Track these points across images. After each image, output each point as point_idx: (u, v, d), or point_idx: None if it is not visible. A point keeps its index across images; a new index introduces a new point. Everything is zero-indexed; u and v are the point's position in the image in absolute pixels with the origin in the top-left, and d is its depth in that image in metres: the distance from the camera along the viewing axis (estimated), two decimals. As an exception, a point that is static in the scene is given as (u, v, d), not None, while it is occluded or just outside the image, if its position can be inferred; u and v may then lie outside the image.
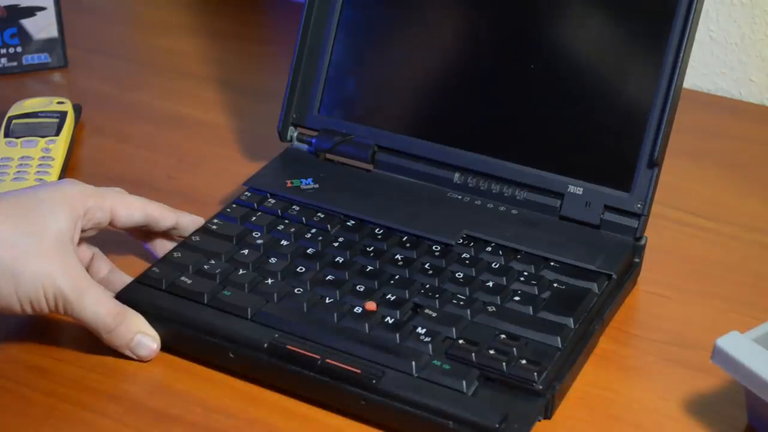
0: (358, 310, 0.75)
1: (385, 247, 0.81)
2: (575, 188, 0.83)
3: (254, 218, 0.85)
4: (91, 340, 0.75)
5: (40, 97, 1.04)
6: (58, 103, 1.02)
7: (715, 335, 0.68)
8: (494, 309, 0.75)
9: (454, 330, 0.73)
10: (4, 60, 1.15)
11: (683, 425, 0.71)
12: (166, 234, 0.84)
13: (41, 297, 0.72)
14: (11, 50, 1.15)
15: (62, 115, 1.00)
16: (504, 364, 0.70)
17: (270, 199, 0.87)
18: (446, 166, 0.88)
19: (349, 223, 0.84)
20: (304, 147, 0.93)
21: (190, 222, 0.83)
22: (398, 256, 0.80)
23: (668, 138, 0.81)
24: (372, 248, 0.81)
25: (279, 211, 0.85)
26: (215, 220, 0.84)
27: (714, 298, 0.83)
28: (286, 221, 0.84)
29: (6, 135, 0.98)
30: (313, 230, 0.83)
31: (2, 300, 0.71)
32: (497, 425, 0.66)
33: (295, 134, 0.94)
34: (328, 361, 0.71)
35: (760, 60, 1.12)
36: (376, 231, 0.83)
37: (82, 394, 0.72)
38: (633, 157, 0.81)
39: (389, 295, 0.76)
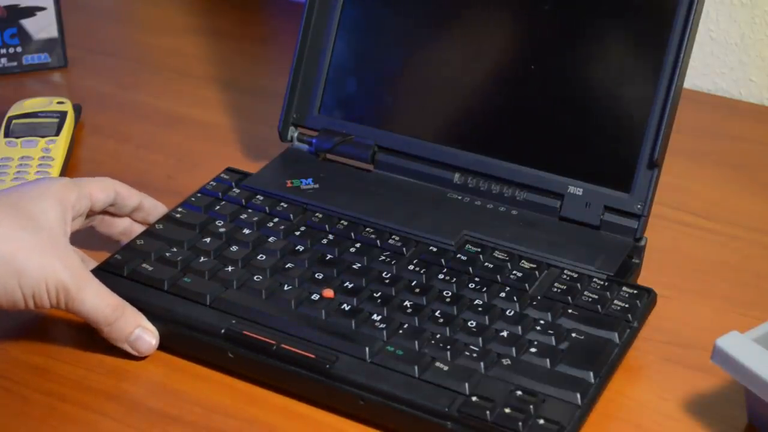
0: (315, 297, 0.76)
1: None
2: (575, 189, 0.83)
3: (218, 207, 0.85)
4: (90, 340, 0.75)
5: (40, 97, 1.04)
6: (58, 103, 1.02)
7: (715, 335, 0.68)
8: (509, 362, 0.71)
9: (467, 385, 0.69)
10: (4, 60, 1.15)
11: (683, 425, 0.71)
12: (130, 221, 0.84)
13: (43, 290, 0.72)
14: (11, 50, 1.15)
15: (62, 115, 1.00)
16: (520, 423, 0.66)
17: (234, 189, 0.87)
18: (446, 167, 0.88)
19: (316, 216, 0.84)
20: (305, 147, 0.93)
21: (152, 205, 0.84)
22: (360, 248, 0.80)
23: (668, 138, 0.81)
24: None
25: (243, 200, 0.86)
26: (179, 209, 0.85)
27: (714, 298, 0.83)
28: (250, 210, 0.85)
29: (6, 135, 0.98)
30: (276, 219, 0.84)
31: (7, 296, 0.71)
32: (446, 409, 0.67)
33: (296, 134, 0.94)
34: (283, 346, 0.71)
35: (760, 60, 1.12)
36: (341, 222, 0.83)
37: (81, 394, 0.72)
38: (633, 157, 0.81)
39: (347, 283, 0.77)
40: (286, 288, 0.77)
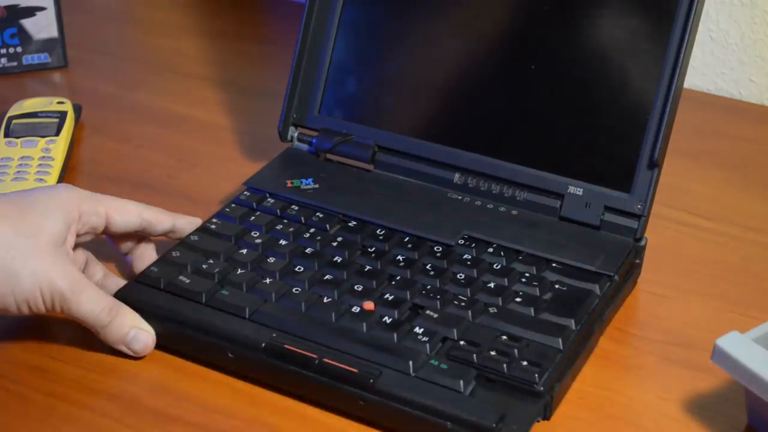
0: (356, 309, 0.75)
1: (386, 248, 0.81)
2: (575, 189, 0.83)
3: (253, 218, 0.85)
4: (90, 340, 0.75)
5: (40, 97, 1.04)
6: (58, 103, 1.02)
7: (715, 335, 0.68)
8: (495, 310, 0.75)
9: (455, 331, 0.73)
10: (4, 60, 1.15)
11: (683, 425, 0.71)
12: (151, 245, 0.83)
13: (38, 297, 0.72)
14: (11, 50, 1.15)
15: (62, 115, 1.00)
16: (505, 365, 0.70)
17: (269, 199, 0.87)
18: (446, 167, 0.88)
19: (350, 224, 0.84)
20: (305, 147, 0.93)
21: (186, 224, 0.83)
22: (399, 257, 0.80)
23: (668, 138, 0.81)
24: (372, 248, 0.81)
25: (278, 210, 0.85)
26: (214, 220, 0.84)
27: (714, 298, 0.83)
28: (285, 221, 0.84)
29: (6, 135, 0.98)
30: (312, 230, 0.83)
31: None
32: (494, 425, 0.66)
33: (296, 134, 0.94)
34: (325, 360, 0.71)
35: (760, 60, 1.12)
36: (377, 231, 0.83)
37: (81, 394, 0.72)
38: (633, 157, 0.81)
39: (388, 295, 0.76)
40: (325, 300, 0.76)
